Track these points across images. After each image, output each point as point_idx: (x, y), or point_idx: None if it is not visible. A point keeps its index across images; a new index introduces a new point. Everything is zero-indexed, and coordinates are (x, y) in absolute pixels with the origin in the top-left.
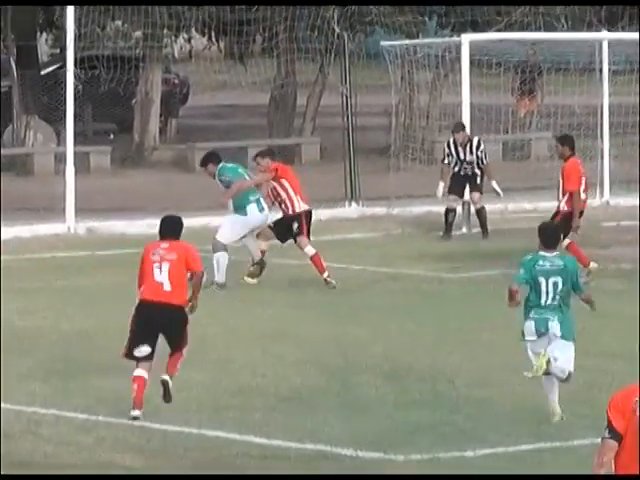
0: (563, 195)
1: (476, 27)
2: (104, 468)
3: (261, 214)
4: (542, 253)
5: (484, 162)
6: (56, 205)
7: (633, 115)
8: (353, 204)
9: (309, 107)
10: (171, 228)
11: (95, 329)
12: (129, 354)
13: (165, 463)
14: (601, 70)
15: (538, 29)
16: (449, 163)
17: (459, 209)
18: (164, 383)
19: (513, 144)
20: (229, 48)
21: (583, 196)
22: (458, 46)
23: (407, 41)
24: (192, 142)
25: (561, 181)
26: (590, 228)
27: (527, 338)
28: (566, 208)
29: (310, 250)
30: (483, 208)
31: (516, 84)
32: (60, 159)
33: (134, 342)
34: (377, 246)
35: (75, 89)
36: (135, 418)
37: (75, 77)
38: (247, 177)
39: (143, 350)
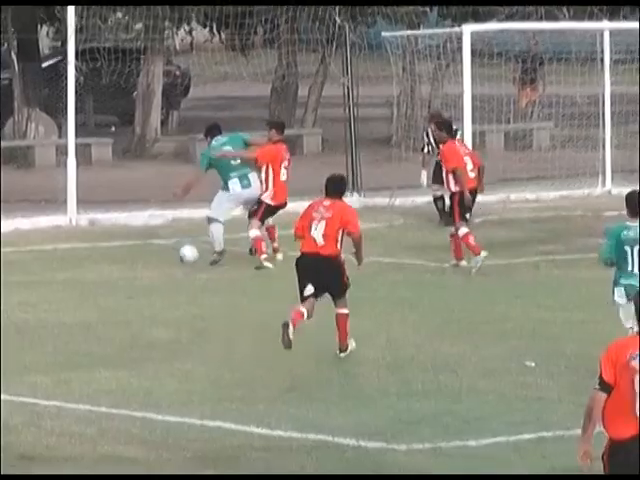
0: (447, 177)
1: (477, 17)
2: (106, 460)
3: (244, 190)
4: (627, 223)
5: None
6: (57, 197)
7: (635, 104)
8: (355, 195)
9: (311, 98)
10: (334, 187)
11: (97, 321)
12: (302, 297)
13: (167, 454)
14: (602, 60)
15: (539, 19)
16: (429, 152)
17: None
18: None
19: (515, 134)
20: (230, 40)
21: (472, 175)
22: (459, 36)
23: (408, 32)
24: (194, 134)
25: (443, 165)
26: (592, 218)
27: (617, 300)
28: (457, 188)
29: (253, 233)
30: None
31: (517, 74)
32: (61, 151)
33: (301, 287)
34: (379, 237)
35: (76, 81)
36: (286, 325)
37: (76, 69)
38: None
39: (309, 289)
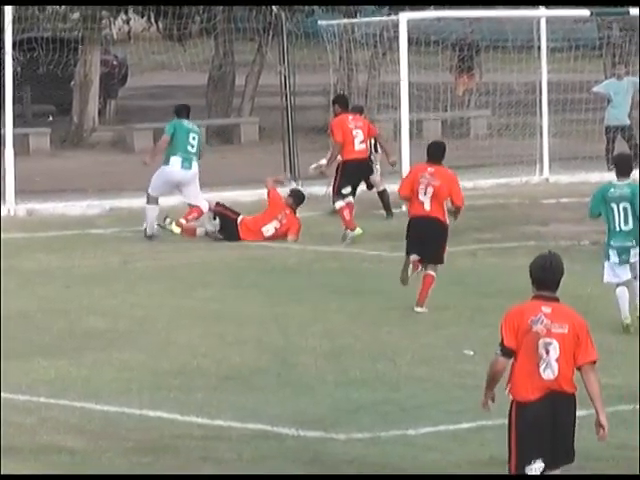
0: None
1: (414, 5)
2: (45, 450)
3: (182, 170)
4: (614, 182)
5: (377, 150)
6: None
7: (572, 92)
8: (292, 183)
9: (248, 87)
10: (435, 153)
11: (35, 310)
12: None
13: (106, 444)
14: (539, 47)
15: (476, 6)
16: None
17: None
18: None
19: (452, 122)
20: (168, 29)
21: (362, 146)
22: (396, 25)
23: (345, 20)
24: (131, 123)
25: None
26: (530, 205)
27: (610, 260)
28: (342, 158)
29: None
30: (385, 190)
31: (454, 62)
32: None
33: (408, 251)
34: (317, 225)
35: (14, 71)
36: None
37: (13, 59)
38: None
39: (413, 257)
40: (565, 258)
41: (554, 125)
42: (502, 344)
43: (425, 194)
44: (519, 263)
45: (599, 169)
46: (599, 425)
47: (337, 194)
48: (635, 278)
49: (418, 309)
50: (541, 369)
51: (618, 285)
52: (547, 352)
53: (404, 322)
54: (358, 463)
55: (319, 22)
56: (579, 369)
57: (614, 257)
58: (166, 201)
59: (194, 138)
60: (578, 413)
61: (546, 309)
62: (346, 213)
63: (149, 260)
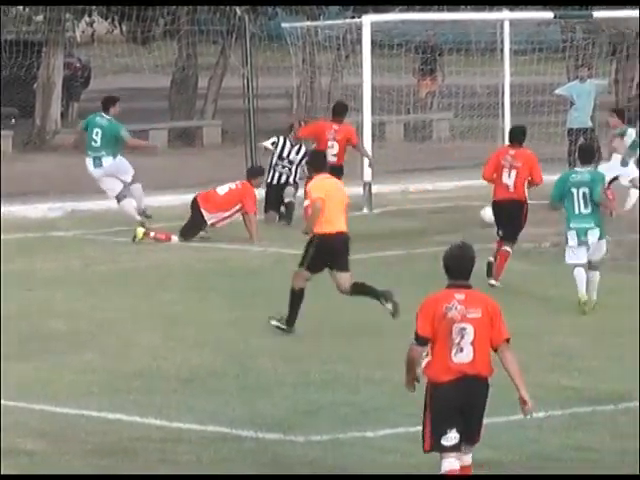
0: None
1: (377, 8)
2: (5, 452)
3: (95, 170)
4: (576, 168)
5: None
6: None
7: (534, 95)
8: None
9: (210, 89)
10: (516, 136)
11: None
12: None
13: (66, 447)
14: (502, 50)
15: (440, 9)
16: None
17: None
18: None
19: (414, 125)
20: (131, 32)
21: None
22: (359, 27)
23: (308, 23)
24: None
25: None
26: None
27: (569, 244)
28: None
29: None
30: (292, 203)
31: (417, 65)
32: None
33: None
34: (278, 227)
35: None
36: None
37: None
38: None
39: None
40: (526, 260)
41: None
42: (417, 333)
43: (509, 177)
44: (480, 265)
45: (561, 171)
46: (522, 401)
47: None
48: (595, 268)
49: (492, 282)
50: (455, 353)
51: (577, 266)
52: (462, 337)
53: (364, 325)
54: (317, 465)
55: (282, 25)
56: (495, 351)
57: (573, 240)
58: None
59: (97, 133)
60: (554, 413)
61: (459, 296)
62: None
63: (110, 263)
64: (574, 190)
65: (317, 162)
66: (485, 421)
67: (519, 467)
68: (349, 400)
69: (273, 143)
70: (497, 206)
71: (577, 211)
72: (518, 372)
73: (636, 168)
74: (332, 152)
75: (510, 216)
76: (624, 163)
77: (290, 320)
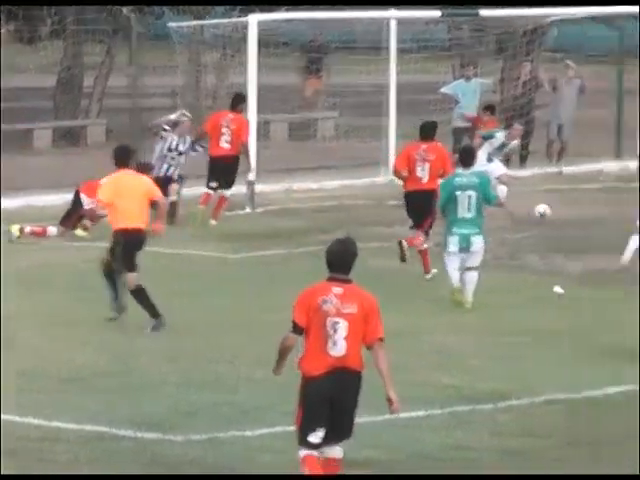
0: None
1: (264, 7)
2: None
3: None
4: (460, 171)
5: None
6: None
7: (420, 93)
8: None
9: (96, 89)
10: (428, 131)
11: None
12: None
13: None
14: (388, 48)
15: (327, 8)
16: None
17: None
18: None
19: (300, 124)
20: (18, 31)
21: (226, 145)
22: (245, 26)
23: (195, 22)
24: None
25: None
26: (375, 206)
27: (449, 250)
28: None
29: None
30: (176, 202)
31: (303, 64)
32: None
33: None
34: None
35: None
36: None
37: None
38: None
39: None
40: (409, 259)
41: (401, 126)
42: (293, 321)
43: (423, 170)
44: (363, 264)
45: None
46: (389, 400)
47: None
48: (474, 269)
49: (427, 276)
50: (328, 346)
51: (450, 265)
52: (335, 331)
53: (243, 324)
54: (196, 464)
55: (169, 24)
56: (368, 348)
57: (454, 246)
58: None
59: None
60: (434, 412)
61: (337, 290)
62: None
63: None
64: (459, 193)
65: (120, 156)
66: (366, 420)
67: (399, 466)
68: (229, 400)
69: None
70: (409, 197)
71: (460, 215)
72: (388, 371)
73: (502, 166)
74: (225, 139)
75: (423, 206)
76: (490, 159)
77: (153, 313)
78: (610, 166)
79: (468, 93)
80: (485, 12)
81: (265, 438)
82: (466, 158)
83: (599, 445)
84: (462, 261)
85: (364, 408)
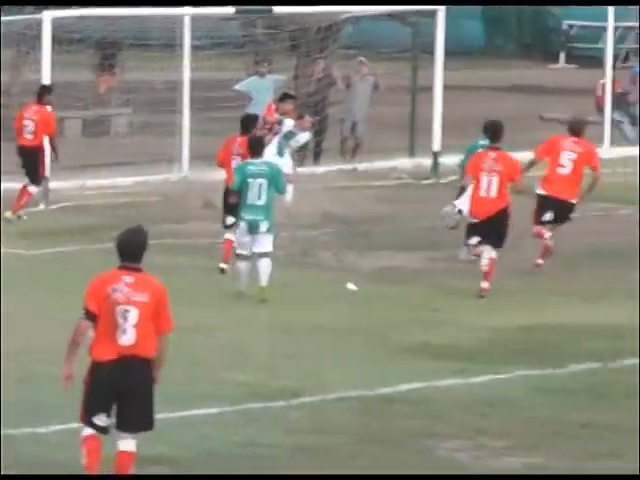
0: None
1: (60, 4)
2: None
3: None
4: (251, 160)
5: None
6: None
7: (214, 90)
8: None
9: None
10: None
11: None
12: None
13: None
14: (182, 45)
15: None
16: None
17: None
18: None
19: (93, 120)
20: None
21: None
22: (39, 23)
23: None
24: None
25: None
26: (168, 203)
27: (241, 231)
28: None
29: None
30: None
31: (96, 60)
32: None
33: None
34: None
35: None
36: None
37: None
38: None
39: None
40: (204, 255)
41: (195, 123)
42: (85, 308)
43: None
44: (155, 261)
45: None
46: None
47: None
48: (268, 258)
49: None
50: (117, 335)
51: (243, 259)
52: (125, 319)
53: (37, 320)
54: None
55: None
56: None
57: (243, 229)
58: None
59: None
60: (226, 409)
61: (128, 279)
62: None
63: None
64: (251, 181)
65: None
66: (159, 416)
67: (191, 463)
68: (23, 396)
69: None
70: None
71: (251, 202)
72: (162, 363)
73: (291, 164)
74: (28, 130)
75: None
76: (280, 153)
77: None
78: (404, 163)
79: (262, 90)
80: (279, 9)
81: (59, 435)
82: (254, 147)
83: (391, 442)
84: (248, 247)
85: (158, 405)
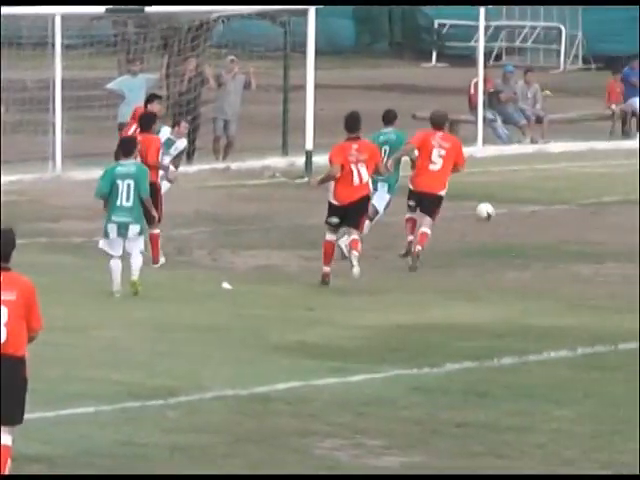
0: None
1: None
2: None
3: None
4: (120, 162)
5: None
6: None
7: (86, 89)
8: None
9: None
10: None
11: None
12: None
13: None
14: (54, 44)
15: None
16: None
17: None
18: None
19: None
20: None
21: None
22: None
23: None
24: None
25: None
26: (41, 202)
27: (110, 237)
28: None
29: None
30: None
31: None
32: None
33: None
34: None
35: None
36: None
37: None
38: None
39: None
40: (78, 255)
41: (67, 122)
42: None
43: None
44: (31, 260)
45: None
46: None
47: None
48: (139, 254)
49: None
50: None
51: (113, 258)
52: None
53: None
54: None
55: None
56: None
57: (112, 233)
58: None
59: None
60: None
61: None
62: None
63: None
64: (119, 182)
65: None
66: (36, 415)
67: (68, 462)
68: None
69: None
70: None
71: (119, 203)
72: None
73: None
74: None
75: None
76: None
77: None
78: (277, 162)
79: (134, 89)
80: (150, 9)
81: None
82: (125, 148)
83: (268, 441)
84: (119, 249)
85: (34, 404)
